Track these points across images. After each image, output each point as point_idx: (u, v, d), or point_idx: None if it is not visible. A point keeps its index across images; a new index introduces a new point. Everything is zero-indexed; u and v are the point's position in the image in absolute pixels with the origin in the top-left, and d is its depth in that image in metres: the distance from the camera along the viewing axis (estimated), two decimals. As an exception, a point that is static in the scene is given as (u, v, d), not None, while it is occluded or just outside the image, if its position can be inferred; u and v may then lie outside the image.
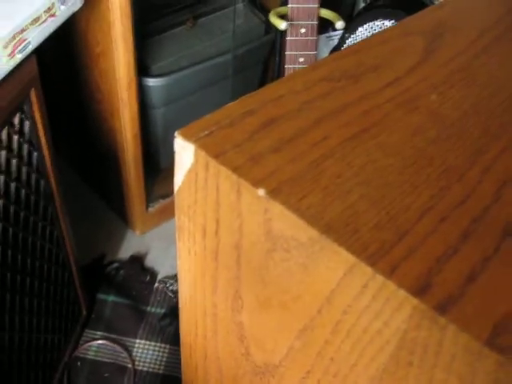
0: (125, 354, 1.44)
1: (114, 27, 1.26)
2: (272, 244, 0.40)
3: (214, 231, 0.43)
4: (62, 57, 1.54)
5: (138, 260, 1.66)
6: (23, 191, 1.02)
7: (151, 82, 1.45)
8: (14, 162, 0.97)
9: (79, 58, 1.46)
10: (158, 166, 1.69)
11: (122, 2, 1.21)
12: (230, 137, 0.41)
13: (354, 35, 1.59)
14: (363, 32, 1.56)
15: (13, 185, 0.98)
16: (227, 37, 1.56)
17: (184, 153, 0.41)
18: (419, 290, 0.34)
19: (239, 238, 0.41)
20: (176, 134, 0.42)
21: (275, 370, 0.48)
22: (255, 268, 0.43)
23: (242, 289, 0.46)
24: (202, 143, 0.40)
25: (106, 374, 1.41)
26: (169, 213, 1.74)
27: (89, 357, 1.43)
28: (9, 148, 0.95)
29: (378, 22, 1.43)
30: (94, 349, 1.45)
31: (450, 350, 0.33)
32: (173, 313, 1.50)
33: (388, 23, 1.41)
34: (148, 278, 1.61)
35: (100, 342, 1.46)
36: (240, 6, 1.65)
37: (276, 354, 0.47)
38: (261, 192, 0.37)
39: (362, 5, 1.73)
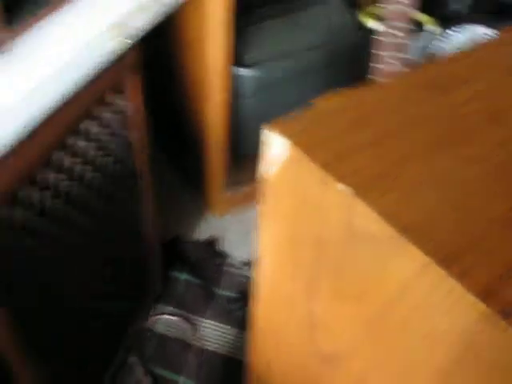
0: (192, 332, 1.49)
1: (213, 15, 1.30)
2: (351, 238, 0.42)
3: (297, 221, 0.46)
4: (158, 40, 1.60)
5: (213, 242, 1.71)
6: (116, 166, 1.08)
7: (242, 71, 1.48)
8: (110, 138, 1.03)
9: (174, 42, 1.51)
10: (240, 152, 1.72)
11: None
12: (321, 133, 0.44)
13: (447, 39, 1.58)
14: (457, 36, 1.54)
15: (108, 159, 1.04)
16: (320, 32, 1.58)
17: (274, 144, 0.44)
18: (487, 296, 0.35)
19: (321, 230, 0.44)
20: (267, 126, 0.45)
21: (342, 359, 0.50)
22: (333, 259, 0.45)
23: (318, 278, 0.48)
24: (293, 137, 0.43)
25: (173, 349, 1.47)
26: (248, 199, 1.78)
27: (158, 330, 1.49)
28: (107, 126, 1.01)
29: (471, 28, 1.41)
30: (163, 322, 1.51)
31: (510, 354, 0.35)
32: (243, 297, 1.54)
33: (481, 30, 1.39)
34: (221, 260, 1.65)
35: (170, 316, 1.52)
36: (335, 2, 1.66)
37: (344, 343, 0.49)
38: (345, 188, 0.40)
39: (454, 7, 1.71)
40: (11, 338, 0.89)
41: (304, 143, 0.42)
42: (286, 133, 0.43)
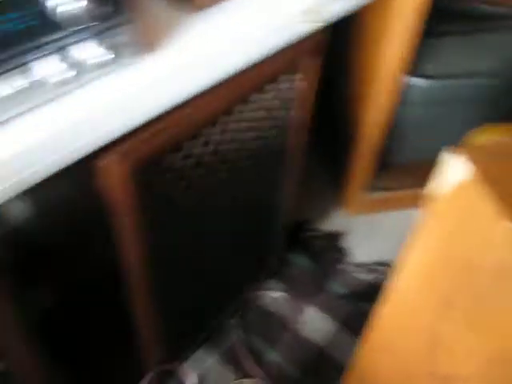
0: (295, 314, 1.53)
1: (400, 18, 1.30)
2: (504, 273, 0.43)
3: (453, 243, 0.47)
4: (337, 28, 1.61)
5: (337, 237, 1.73)
6: (274, 140, 1.12)
7: (415, 81, 1.48)
8: (273, 114, 1.08)
9: (352, 35, 1.53)
10: (388, 159, 1.72)
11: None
12: (503, 168, 0.44)
13: None
14: None
15: (267, 132, 1.09)
16: (506, 60, 1.54)
17: (455, 167, 0.45)
18: None
19: (475, 258, 0.45)
20: (450, 148, 0.46)
21: (457, 383, 0.51)
22: (478, 287, 0.46)
23: (455, 301, 0.50)
24: (476, 164, 0.44)
25: (273, 325, 1.51)
26: (383, 205, 1.78)
27: (264, 303, 1.54)
28: (278, 99, 1.05)
29: None
30: (270, 298, 1.56)
31: None
32: (354, 296, 1.56)
33: None
34: (340, 256, 1.68)
35: (279, 294, 1.56)
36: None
37: (464, 368, 0.50)
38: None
39: None
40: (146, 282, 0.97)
41: (486, 172, 0.43)
42: (471, 158, 0.44)
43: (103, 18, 0.69)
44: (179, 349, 1.37)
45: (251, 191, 1.18)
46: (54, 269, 0.86)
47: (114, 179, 0.77)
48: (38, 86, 0.65)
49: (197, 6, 0.87)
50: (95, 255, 0.90)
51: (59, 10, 0.65)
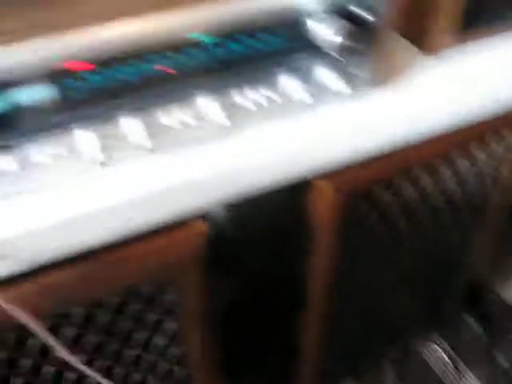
0: (454, 378, 1.46)
1: None
2: None
3: None
4: None
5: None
6: (476, 198, 1.09)
7: None
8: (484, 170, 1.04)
9: None
10: None
11: None
12: None
13: None
14: None
15: (477, 187, 1.06)
16: None
17: None
18: None
19: None
20: None
21: None
22: None
23: None
24: None
25: (428, 381, 1.46)
26: None
27: (425, 356, 1.50)
28: (494, 157, 1.02)
29: None
30: (432, 352, 1.50)
31: None
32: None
33: None
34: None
35: (442, 351, 1.50)
36: None
37: None
38: None
39: None
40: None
41: None
42: None
43: (351, 52, 0.71)
44: (331, 379, 1.37)
45: (444, 241, 1.15)
46: (244, 271, 0.90)
47: (325, 205, 0.79)
48: (283, 101, 0.69)
49: (433, 48, 0.87)
50: (284, 270, 0.93)
51: (316, 35, 0.68)
